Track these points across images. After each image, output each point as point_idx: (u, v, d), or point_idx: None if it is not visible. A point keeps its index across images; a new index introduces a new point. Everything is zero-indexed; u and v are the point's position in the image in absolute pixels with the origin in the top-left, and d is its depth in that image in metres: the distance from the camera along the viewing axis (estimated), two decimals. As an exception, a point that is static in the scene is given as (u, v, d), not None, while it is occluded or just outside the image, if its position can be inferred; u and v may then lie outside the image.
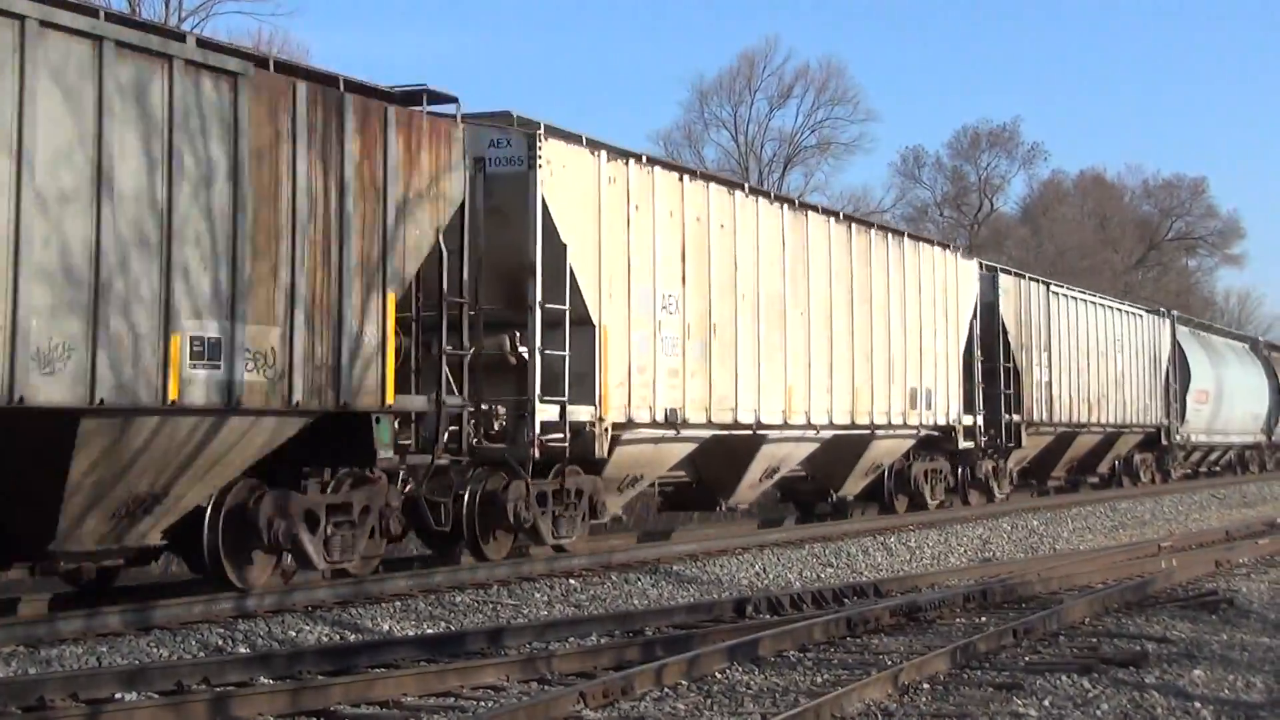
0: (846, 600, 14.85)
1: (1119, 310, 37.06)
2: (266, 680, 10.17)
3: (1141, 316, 38.50)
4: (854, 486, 24.86)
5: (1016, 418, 29.55)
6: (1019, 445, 29.83)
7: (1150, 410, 38.29)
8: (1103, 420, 34.58)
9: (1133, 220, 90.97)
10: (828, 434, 22.35)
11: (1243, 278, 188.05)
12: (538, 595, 15.18)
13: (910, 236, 26.10)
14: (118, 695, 9.48)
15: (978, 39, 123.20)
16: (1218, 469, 47.28)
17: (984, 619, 13.57)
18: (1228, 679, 10.55)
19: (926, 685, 10.02)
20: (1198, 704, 9.58)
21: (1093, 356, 34.05)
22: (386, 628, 12.99)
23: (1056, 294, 32.23)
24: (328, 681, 9.88)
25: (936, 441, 26.69)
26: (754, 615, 13.82)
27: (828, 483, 24.50)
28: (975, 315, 27.93)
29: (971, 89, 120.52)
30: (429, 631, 12.82)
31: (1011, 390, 29.47)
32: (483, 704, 9.59)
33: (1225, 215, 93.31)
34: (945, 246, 27.49)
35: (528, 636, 12.17)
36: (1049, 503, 30.98)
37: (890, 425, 24.18)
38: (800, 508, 26.40)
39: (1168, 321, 40.67)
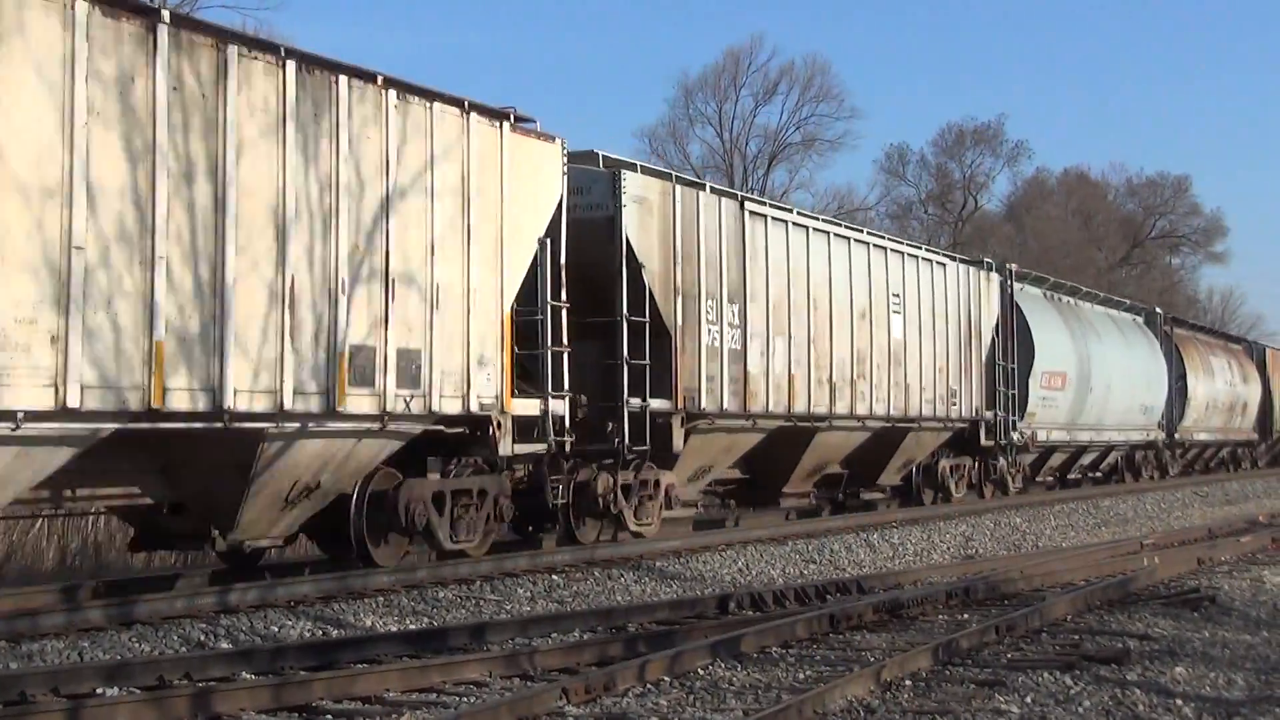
0: (829, 597, 14.86)
1: (903, 253, 26.25)
2: (249, 675, 10.15)
3: (946, 266, 27.89)
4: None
5: (661, 403, 19.14)
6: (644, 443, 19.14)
7: (962, 398, 28.08)
8: (865, 411, 24.25)
9: (1116, 218, 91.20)
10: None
11: (1226, 276, 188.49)
12: (520, 591, 15.16)
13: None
14: (99, 690, 9.45)
15: (962, 37, 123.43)
16: (1097, 474, 38.87)
17: (966, 616, 13.58)
18: (1209, 676, 10.57)
19: (909, 682, 10.02)
20: (1179, 701, 9.59)
21: (845, 317, 23.69)
22: (369, 623, 12.98)
23: (759, 216, 21.72)
24: (310, 677, 9.85)
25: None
26: (737, 611, 13.82)
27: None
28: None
29: (956, 87, 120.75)
30: (412, 627, 12.81)
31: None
32: (465, 700, 9.58)
33: (1209, 213, 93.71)
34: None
35: (510, 632, 12.16)
36: (1032, 500, 31.02)
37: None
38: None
39: (995, 278, 30.19)
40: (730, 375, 20.57)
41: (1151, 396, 39.22)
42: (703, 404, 19.92)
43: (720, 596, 14.35)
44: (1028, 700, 9.49)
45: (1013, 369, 30.42)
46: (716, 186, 21.90)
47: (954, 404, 27.99)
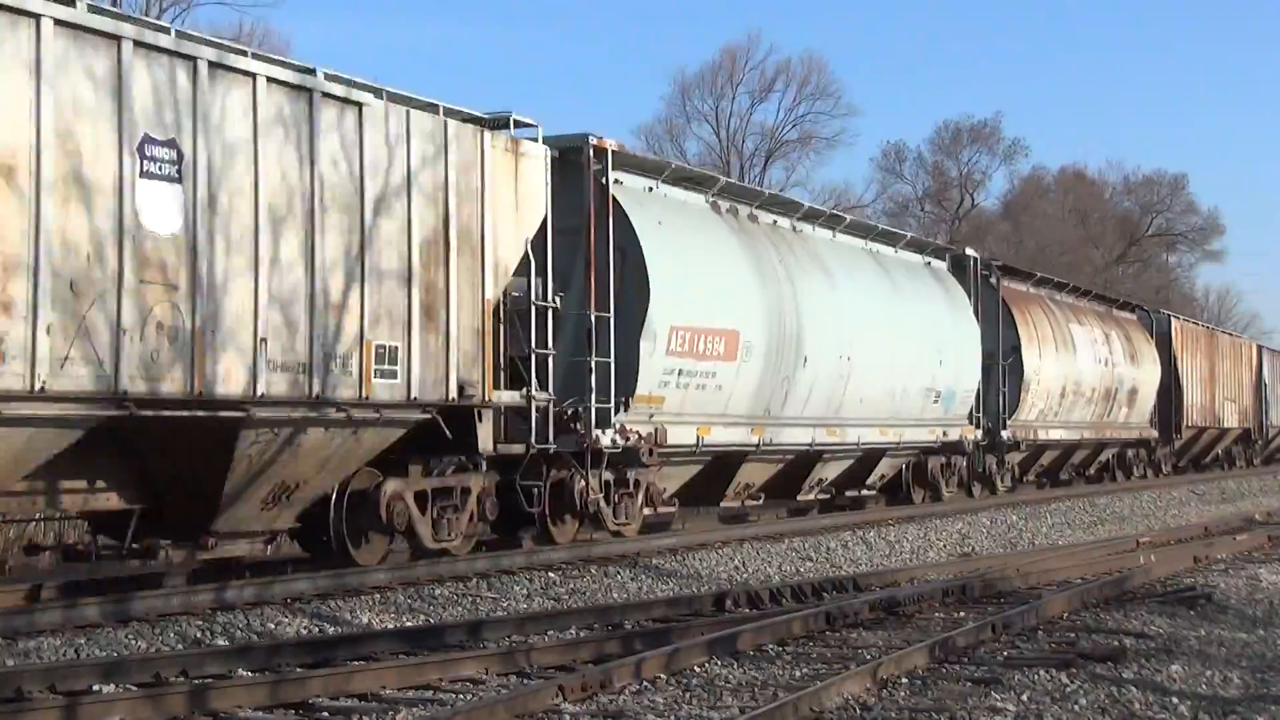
0: (826, 595, 14.86)
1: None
2: (245, 672, 10.16)
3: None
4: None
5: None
6: None
7: (415, 364, 15.22)
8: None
9: (1113, 216, 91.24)
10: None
11: (1223, 274, 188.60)
12: (517, 588, 15.17)
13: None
14: (96, 687, 9.45)
15: (959, 34, 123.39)
16: (858, 494, 26.64)
17: (963, 614, 13.58)
18: (1205, 674, 10.57)
19: (905, 680, 10.03)
20: (1175, 699, 9.60)
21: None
22: (366, 620, 12.98)
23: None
24: (306, 674, 9.85)
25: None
26: (733, 609, 13.82)
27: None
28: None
29: (953, 84, 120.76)
30: (408, 624, 12.81)
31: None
32: (461, 697, 9.58)
33: (1205, 212, 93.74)
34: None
35: (507, 630, 12.16)
36: (1028, 498, 31.03)
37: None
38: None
39: (539, 149, 17.25)
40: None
41: (949, 377, 27.09)
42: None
43: (717, 594, 14.36)
44: (1024, 698, 9.50)
45: (602, 320, 18.11)
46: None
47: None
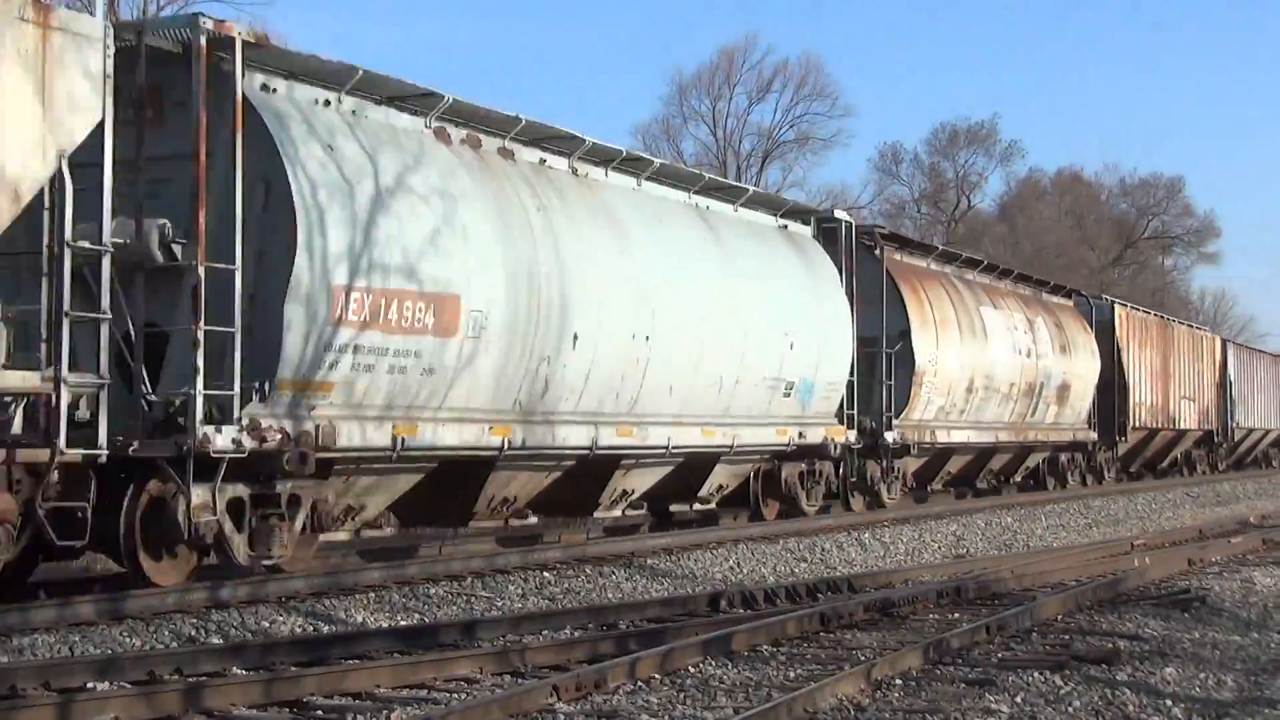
0: (820, 595, 14.86)
1: None
2: (239, 671, 10.15)
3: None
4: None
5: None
6: None
7: None
8: None
9: (1109, 218, 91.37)
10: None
11: (1218, 277, 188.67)
12: (512, 588, 15.16)
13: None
14: (90, 685, 9.44)
15: (956, 36, 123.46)
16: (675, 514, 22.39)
17: (957, 615, 13.59)
18: (1199, 677, 10.58)
19: (899, 681, 10.03)
20: (1169, 701, 9.60)
21: None
22: (360, 619, 12.97)
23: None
24: (301, 673, 9.85)
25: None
26: (728, 610, 13.82)
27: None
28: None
29: (950, 86, 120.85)
30: (403, 623, 12.80)
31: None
32: (456, 696, 9.58)
33: (1201, 215, 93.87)
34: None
35: (501, 629, 12.16)
36: (1023, 500, 31.05)
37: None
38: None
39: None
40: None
41: (805, 365, 22.33)
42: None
43: (711, 594, 14.35)
44: (1018, 700, 9.50)
45: (219, 275, 13.31)
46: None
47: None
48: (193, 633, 11.90)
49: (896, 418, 25.74)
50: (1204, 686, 10.28)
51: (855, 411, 24.54)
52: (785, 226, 23.53)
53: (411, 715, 8.94)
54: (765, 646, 11.44)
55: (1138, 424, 38.54)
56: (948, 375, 27.39)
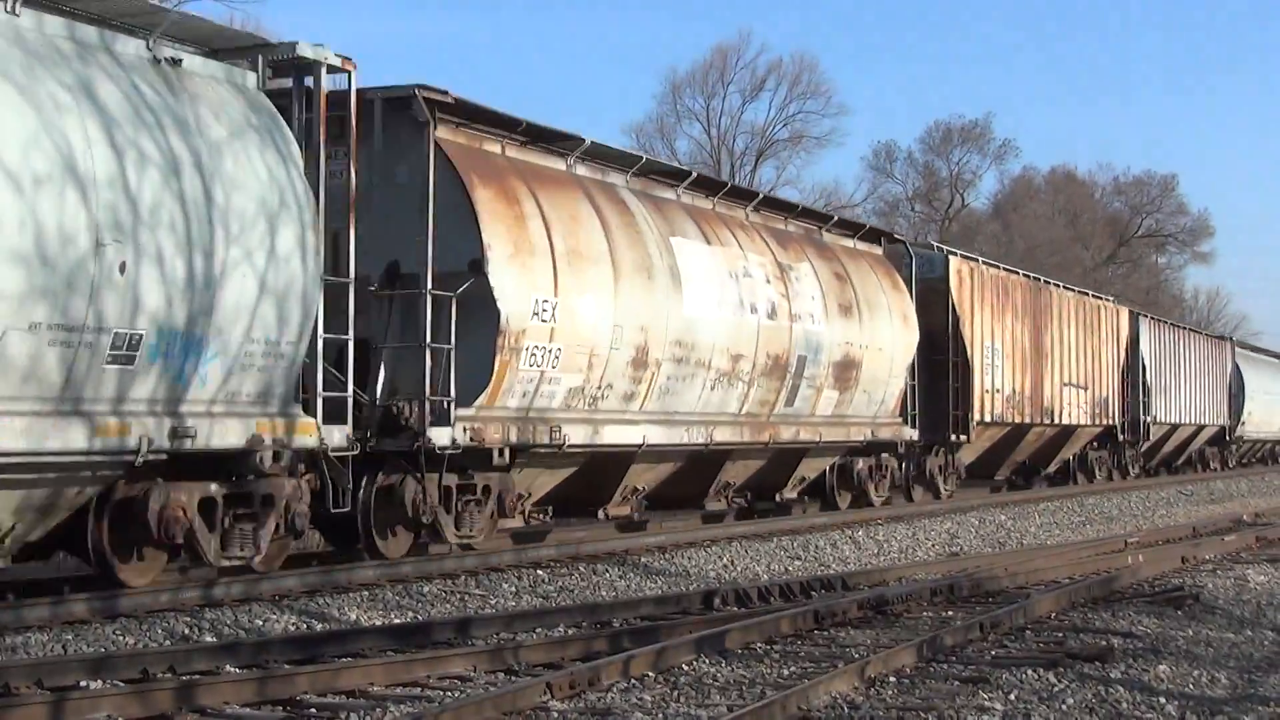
0: (814, 593, 14.87)
1: None
2: (233, 669, 10.14)
3: None
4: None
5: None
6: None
7: None
8: None
9: (1103, 217, 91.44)
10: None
11: (1212, 276, 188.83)
12: (505, 586, 15.16)
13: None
14: (83, 683, 9.43)
15: (950, 34, 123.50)
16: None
17: (951, 613, 13.60)
18: (1193, 674, 10.59)
19: (893, 678, 10.03)
20: (1162, 699, 9.61)
21: None
22: (354, 617, 12.96)
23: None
24: (294, 671, 9.84)
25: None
26: (721, 608, 13.82)
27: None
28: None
29: (944, 84, 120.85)
30: (396, 621, 12.79)
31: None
32: (449, 694, 9.57)
33: (1195, 213, 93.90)
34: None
35: (495, 627, 12.16)
36: (1017, 498, 31.06)
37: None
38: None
39: None
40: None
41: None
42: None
43: (705, 592, 14.35)
44: (1011, 697, 9.50)
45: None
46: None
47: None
48: (186, 631, 11.89)
49: (469, 404, 16.14)
50: (1197, 684, 10.29)
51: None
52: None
53: (405, 713, 8.94)
54: (759, 644, 11.45)
55: (989, 418, 29.36)
56: (583, 336, 17.58)
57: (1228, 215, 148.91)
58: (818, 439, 23.43)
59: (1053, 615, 13.37)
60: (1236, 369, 52.02)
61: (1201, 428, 47.64)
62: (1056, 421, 33.70)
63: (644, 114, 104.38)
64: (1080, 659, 10.88)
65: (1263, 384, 55.35)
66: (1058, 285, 35.35)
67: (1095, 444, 38.36)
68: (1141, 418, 40.13)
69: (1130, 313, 40.89)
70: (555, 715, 8.83)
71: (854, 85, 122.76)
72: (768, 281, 21.64)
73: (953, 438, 28.48)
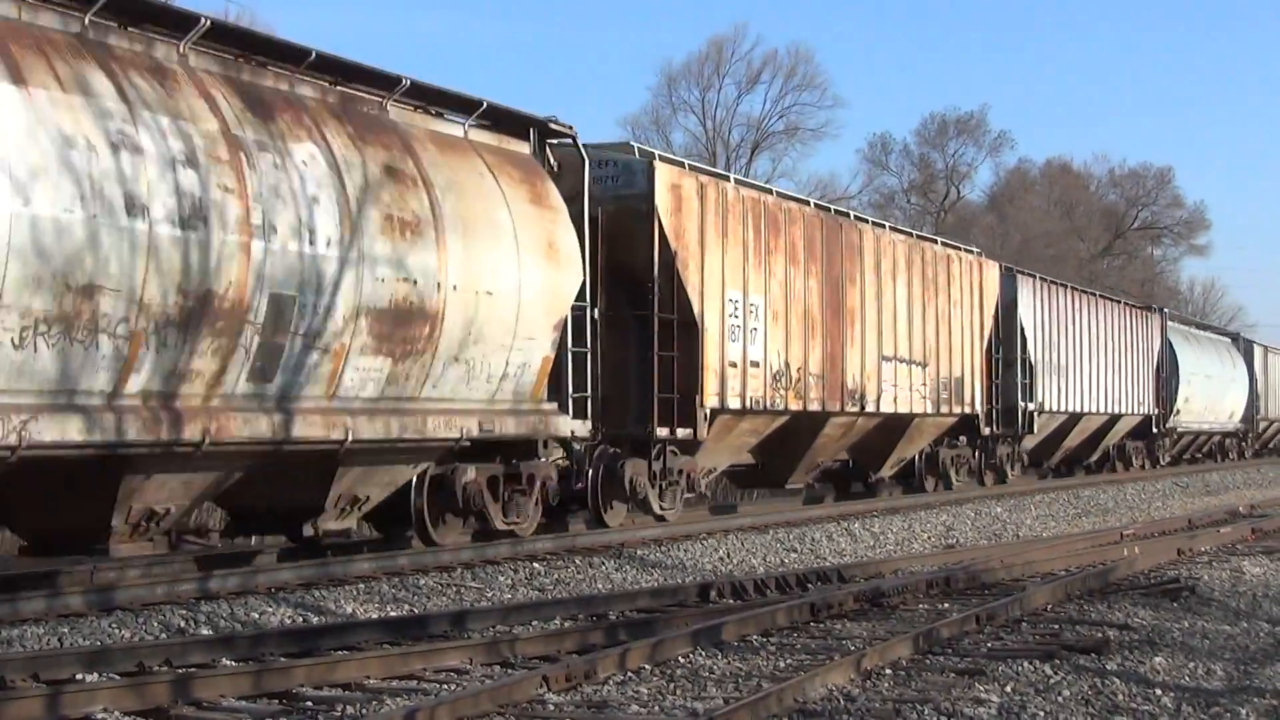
0: (810, 585, 14.87)
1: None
2: (229, 662, 10.14)
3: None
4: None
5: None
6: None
7: None
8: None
9: (1099, 209, 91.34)
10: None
11: (1208, 268, 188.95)
12: (501, 579, 15.16)
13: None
14: (79, 676, 9.42)
15: (946, 26, 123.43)
16: None
17: (947, 605, 13.60)
18: (1188, 666, 10.60)
19: (889, 670, 10.03)
20: (1158, 691, 9.62)
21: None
22: (350, 610, 12.96)
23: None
24: (291, 663, 9.84)
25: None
26: (718, 600, 13.82)
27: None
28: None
29: (939, 77, 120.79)
30: (392, 614, 12.80)
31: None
32: (446, 687, 9.57)
33: (1191, 205, 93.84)
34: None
35: (491, 620, 12.16)
36: (1012, 489, 31.09)
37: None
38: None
39: None
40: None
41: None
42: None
43: (701, 585, 14.35)
44: (1008, 689, 9.50)
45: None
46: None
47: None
48: (182, 624, 11.89)
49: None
50: (1193, 675, 10.30)
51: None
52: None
53: (402, 706, 8.93)
54: (755, 637, 11.44)
55: (737, 404, 21.21)
56: None
57: (1224, 207, 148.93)
58: (344, 437, 14.38)
59: (1049, 607, 13.37)
60: (1169, 346, 43.12)
61: (1117, 418, 39.21)
62: (872, 409, 25.20)
63: (639, 106, 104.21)
64: (1076, 651, 10.89)
65: (1201, 365, 46.05)
66: (878, 224, 26.65)
67: (950, 439, 30.13)
68: (1021, 405, 32.18)
69: (1003, 267, 32.57)
70: (551, 708, 8.82)
71: (849, 78, 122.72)
72: (190, 164, 12.65)
73: (662, 431, 19.85)
